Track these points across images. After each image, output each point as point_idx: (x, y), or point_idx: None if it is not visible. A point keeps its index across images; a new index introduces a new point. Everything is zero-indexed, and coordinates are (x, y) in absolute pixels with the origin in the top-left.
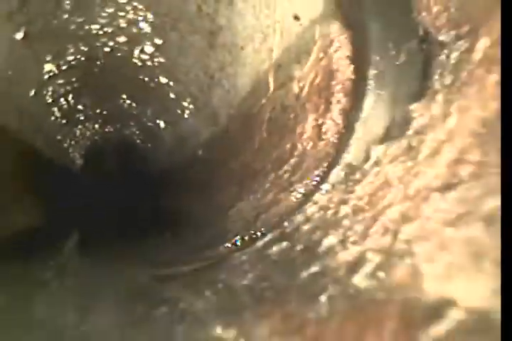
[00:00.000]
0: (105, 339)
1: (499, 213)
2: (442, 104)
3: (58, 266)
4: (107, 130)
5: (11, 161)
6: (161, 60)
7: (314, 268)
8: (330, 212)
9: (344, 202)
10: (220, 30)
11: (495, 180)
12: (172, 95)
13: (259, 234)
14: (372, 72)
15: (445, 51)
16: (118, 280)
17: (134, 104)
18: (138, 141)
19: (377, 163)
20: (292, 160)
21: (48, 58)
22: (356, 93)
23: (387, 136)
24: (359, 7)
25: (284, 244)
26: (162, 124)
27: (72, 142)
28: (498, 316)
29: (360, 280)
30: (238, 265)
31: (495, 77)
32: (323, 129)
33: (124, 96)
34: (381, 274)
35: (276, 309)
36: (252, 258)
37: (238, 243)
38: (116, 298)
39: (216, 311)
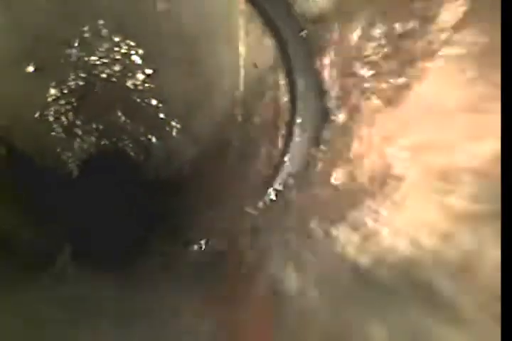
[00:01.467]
0: None
1: None
2: None
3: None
4: (102, 143)
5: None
6: (151, 85)
7: None
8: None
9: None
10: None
11: None
12: (161, 115)
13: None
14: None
15: None
16: None
17: (128, 121)
18: (131, 153)
19: None
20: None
21: (53, 84)
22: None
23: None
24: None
25: None
26: (154, 139)
27: (70, 154)
28: None
29: None
30: None
31: None
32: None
33: (119, 114)
34: None
35: None
36: None
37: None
38: None
39: None
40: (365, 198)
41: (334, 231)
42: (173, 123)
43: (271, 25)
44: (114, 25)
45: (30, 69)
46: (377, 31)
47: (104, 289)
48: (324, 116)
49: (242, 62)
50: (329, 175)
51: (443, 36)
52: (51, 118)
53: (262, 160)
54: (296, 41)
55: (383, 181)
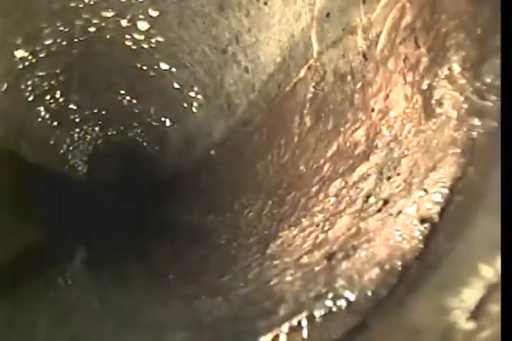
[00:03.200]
0: None
1: None
2: None
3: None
4: (109, 133)
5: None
6: (159, 38)
7: None
8: None
9: None
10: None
11: None
12: (176, 84)
13: (343, 303)
14: None
15: None
16: None
17: (134, 101)
18: (144, 144)
19: None
20: (374, 157)
21: (18, 41)
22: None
23: None
24: None
25: None
26: (168, 122)
27: (70, 147)
28: None
29: None
30: None
31: None
32: (436, 96)
33: (122, 92)
34: None
35: None
36: None
37: (304, 327)
38: None
39: None
40: None
41: None
42: (192, 94)
43: None
44: None
45: None
46: None
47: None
48: None
49: None
50: None
51: None
52: (30, 97)
53: (394, 114)
54: None
55: None
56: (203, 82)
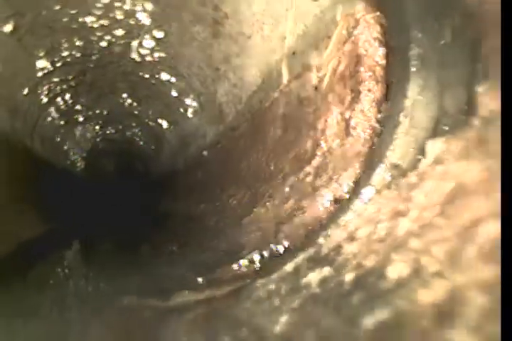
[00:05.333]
0: None
1: None
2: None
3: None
4: (108, 132)
5: (7, 165)
6: (162, 54)
7: (382, 313)
8: (381, 226)
9: (401, 213)
10: (225, 19)
11: None
12: (174, 93)
13: (281, 249)
14: (411, 54)
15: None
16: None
17: (135, 104)
18: (141, 143)
19: (437, 162)
20: (315, 161)
21: (41, 54)
22: (390, 80)
23: (438, 128)
24: None
25: (325, 270)
26: (165, 124)
27: (72, 144)
28: None
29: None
30: (260, 298)
31: None
32: (352, 124)
33: (125, 95)
34: None
35: None
36: (282, 287)
37: (257, 261)
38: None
39: None
40: None
41: None
42: (188, 101)
43: None
44: None
45: (8, 28)
46: None
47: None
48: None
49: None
50: None
51: None
52: (45, 100)
53: (330, 131)
54: None
55: None
56: (199, 92)
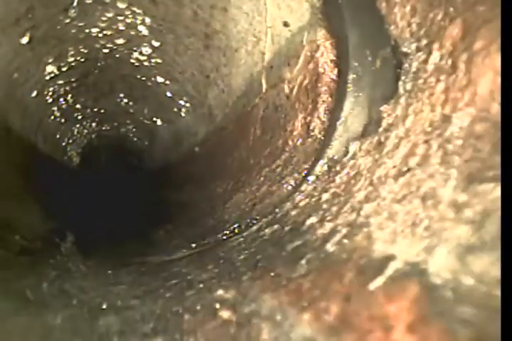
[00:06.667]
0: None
1: (435, 192)
2: (404, 106)
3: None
4: (104, 128)
5: (16, 157)
6: (158, 60)
7: (298, 242)
8: (313, 199)
9: (325, 190)
10: (215, 34)
11: (435, 168)
12: (168, 94)
13: (254, 221)
14: (351, 76)
15: (408, 60)
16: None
17: (131, 103)
18: (135, 139)
19: (353, 157)
20: (284, 156)
21: (50, 60)
22: (339, 94)
23: (365, 134)
24: (341, 18)
25: (275, 226)
26: (159, 122)
27: (70, 140)
28: (427, 266)
29: (330, 246)
30: (236, 245)
31: (442, 86)
32: (311, 127)
33: (122, 95)
34: (345, 241)
35: (267, 273)
36: (248, 239)
37: (236, 230)
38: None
39: (218, 279)
40: None
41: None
42: (182, 102)
43: None
44: None
45: (25, 40)
46: None
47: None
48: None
49: (269, 23)
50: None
51: None
52: (50, 100)
53: (295, 132)
54: None
55: None
56: (191, 95)
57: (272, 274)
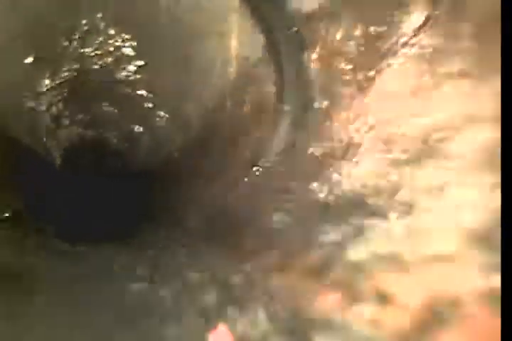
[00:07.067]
0: None
1: None
2: None
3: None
4: (89, 133)
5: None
6: (141, 76)
7: None
8: None
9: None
10: (191, 57)
11: None
12: (150, 105)
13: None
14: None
15: None
16: None
17: (115, 111)
18: (115, 142)
19: None
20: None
21: (47, 75)
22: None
23: None
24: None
25: None
26: (141, 129)
27: (55, 143)
28: None
29: None
30: None
31: None
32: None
33: (107, 104)
34: None
35: None
36: None
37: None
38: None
39: None
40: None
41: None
42: (161, 113)
43: (263, 22)
44: (110, 19)
45: (30, 59)
46: (357, 32)
47: None
48: (308, 103)
49: (233, 55)
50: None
51: (404, 39)
52: (43, 108)
53: (250, 144)
54: (285, 37)
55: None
56: (170, 107)
57: None
